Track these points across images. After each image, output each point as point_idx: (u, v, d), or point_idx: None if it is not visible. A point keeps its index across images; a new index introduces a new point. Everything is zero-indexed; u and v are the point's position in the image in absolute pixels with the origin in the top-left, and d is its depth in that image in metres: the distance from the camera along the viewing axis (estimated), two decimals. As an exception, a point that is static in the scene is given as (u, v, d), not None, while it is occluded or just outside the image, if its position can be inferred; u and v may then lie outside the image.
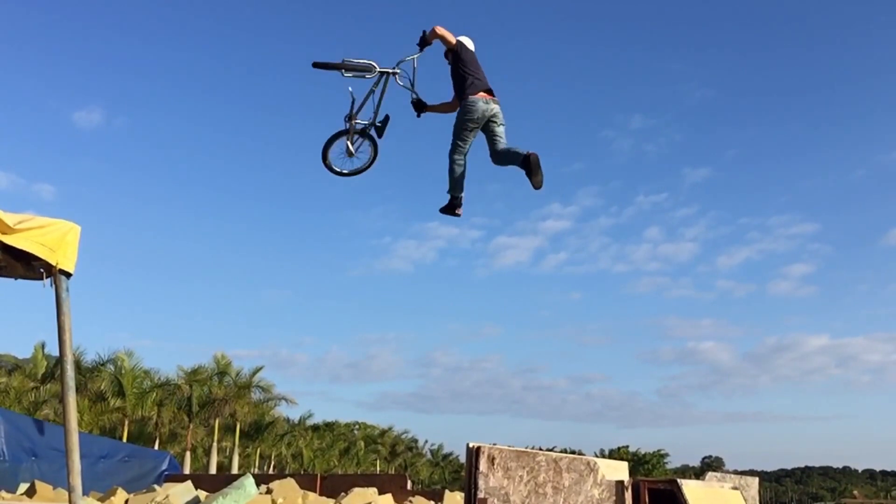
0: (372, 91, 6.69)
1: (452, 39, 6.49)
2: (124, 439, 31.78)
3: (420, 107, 6.78)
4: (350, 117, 6.74)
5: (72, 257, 4.38)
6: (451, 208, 6.50)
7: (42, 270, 4.32)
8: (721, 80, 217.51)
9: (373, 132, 6.80)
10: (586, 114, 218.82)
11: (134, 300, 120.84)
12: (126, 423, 34.40)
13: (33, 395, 32.95)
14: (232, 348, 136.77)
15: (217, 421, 40.53)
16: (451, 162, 6.40)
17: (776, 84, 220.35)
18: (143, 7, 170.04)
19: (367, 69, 6.60)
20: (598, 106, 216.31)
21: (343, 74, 6.56)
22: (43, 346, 37.13)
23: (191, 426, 38.72)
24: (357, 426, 72.79)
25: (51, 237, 4.24)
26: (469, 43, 6.73)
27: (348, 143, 6.75)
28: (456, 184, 6.44)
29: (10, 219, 4.01)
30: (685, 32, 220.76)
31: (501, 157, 6.38)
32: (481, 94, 6.40)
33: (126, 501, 9.56)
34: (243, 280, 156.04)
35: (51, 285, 4.33)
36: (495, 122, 6.45)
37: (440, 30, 6.47)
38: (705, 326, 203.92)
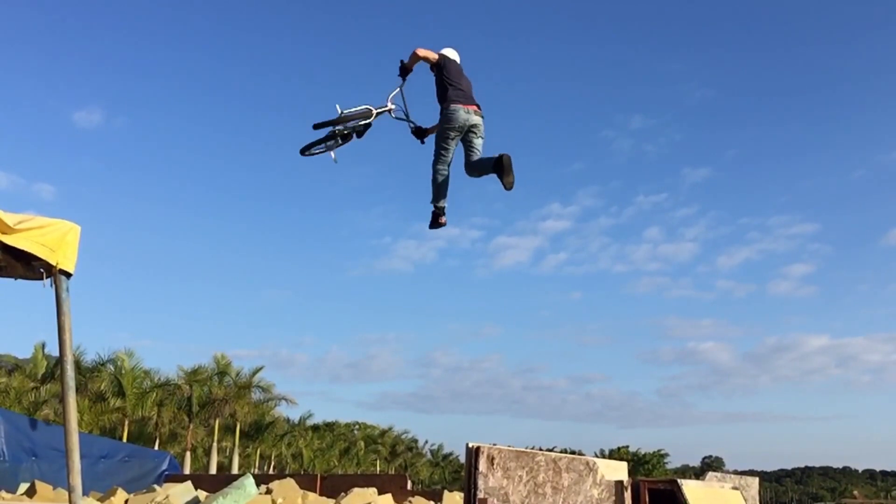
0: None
1: (433, 56, 6.54)
2: (124, 439, 31.77)
3: (421, 133, 6.83)
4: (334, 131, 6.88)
5: (72, 257, 4.38)
6: (435, 220, 6.52)
7: (42, 270, 4.32)
8: (721, 80, 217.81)
9: (353, 136, 6.89)
10: (586, 114, 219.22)
11: (134, 300, 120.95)
12: (126, 423, 34.39)
13: (33, 395, 32.94)
14: (232, 348, 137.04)
15: (217, 421, 40.52)
16: (434, 172, 6.44)
17: (776, 84, 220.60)
18: (142, 7, 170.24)
19: (365, 115, 6.69)
20: (598, 106, 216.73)
21: (345, 128, 6.68)
22: (43, 346, 37.15)
23: (191, 426, 38.71)
24: (357, 426, 72.76)
25: (51, 237, 4.24)
26: (452, 54, 6.78)
27: (331, 152, 6.89)
28: (439, 193, 6.47)
29: (10, 219, 4.01)
30: (685, 32, 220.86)
31: (475, 167, 6.42)
32: (463, 103, 6.41)
33: (126, 501, 9.55)
34: (243, 280, 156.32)
35: (51, 285, 4.33)
36: (474, 134, 6.48)
37: (420, 51, 6.51)
38: (705, 326, 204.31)
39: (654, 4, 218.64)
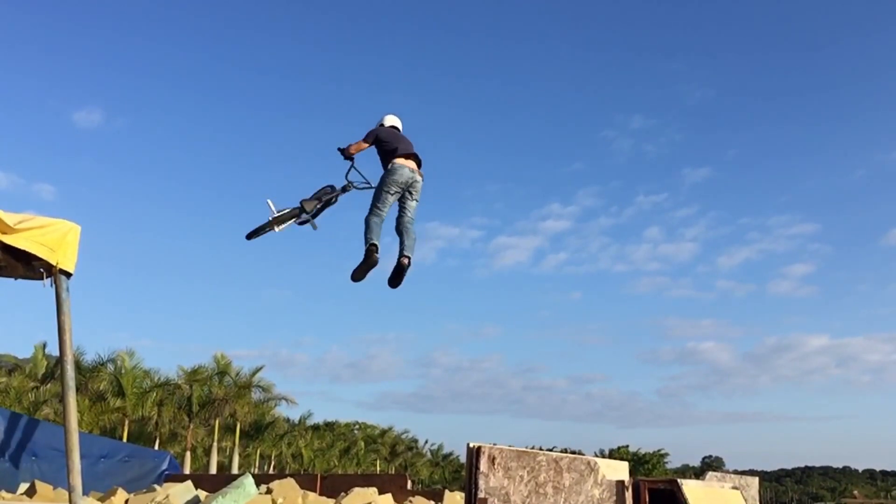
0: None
1: (364, 144, 7.01)
2: (124, 439, 31.74)
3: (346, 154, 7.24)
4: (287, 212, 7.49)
5: (72, 257, 4.38)
6: (367, 256, 6.62)
7: (42, 270, 4.32)
8: (721, 81, 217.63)
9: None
10: (586, 114, 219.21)
11: (134, 300, 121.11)
12: (126, 423, 34.37)
13: (33, 395, 32.94)
14: (232, 348, 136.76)
15: (217, 421, 40.50)
16: (368, 222, 6.67)
17: (776, 84, 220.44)
18: (142, 7, 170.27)
19: (329, 196, 7.31)
20: (598, 106, 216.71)
21: (313, 226, 7.33)
22: (44, 347, 37.15)
23: (191, 426, 38.70)
24: (357, 426, 72.74)
25: (51, 237, 4.24)
26: (390, 120, 7.31)
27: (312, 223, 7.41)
28: (370, 233, 6.68)
29: (10, 219, 4.00)
30: (685, 33, 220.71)
31: (399, 232, 6.82)
32: (407, 161, 6.80)
33: (126, 501, 9.53)
34: (243, 280, 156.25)
35: (51, 285, 4.33)
36: (411, 195, 6.85)
37: (352, 149, 6.98)
38: (705, 326, 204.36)
39: (653, 5, 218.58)
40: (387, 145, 6.92)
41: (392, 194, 6.70)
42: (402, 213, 6.84)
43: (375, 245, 6.54)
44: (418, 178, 6.83)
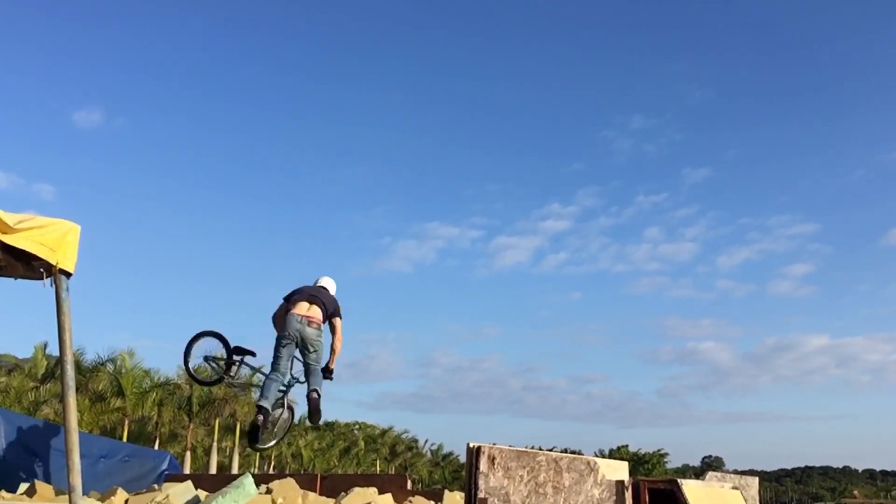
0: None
1: (281, 312, 7.06)
2: (124, 439, 31.74)
3: (328, 371, 7.19)
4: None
5: (72, 257, 4.37)
6: (254, 422, 6.78)
7: (42, 270, 4.32)
8: (721, 81, 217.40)
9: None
10: (586, 114, 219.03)
11: (134, 300, 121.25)
12: (126, 423, 34.37)
13: (33, 395, 32.93)
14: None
15: (217, 421, 40.51)
16: (266, 377, 6.74)
17: (776, 84, 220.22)
18: (142, 7, 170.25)
19: (217, 369, 7.53)
20: (598, 106, 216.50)
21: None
22: (44, 347, 37.11)
23: (191, 426, 38.70)
24: (357, 426, 72.78)
25: (51, 237, 4.24)
26: (323, 281, 7.38)
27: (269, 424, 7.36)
28: (265, 394, 6.72)
29: (10, 219, 4.00)
30: (685, 33, 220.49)
31: (312, 412, 6.90)
32: (298, 307, 6.71)
33: (126, 501, 9.53)
34: (243, 280, 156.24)
35: (51, 285, 4.32)
36: (308, 350, 6.76)
37: (281, 310, 7.10)
38: (705, 326, 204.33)
39: (653, 5, 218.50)
40: (291, 296, 6.94)
41: (284, 346, 6.63)
42: (305, 368, 6.87)
43: (261, 407, 6.58)
44: (308, 329, 6.65)
